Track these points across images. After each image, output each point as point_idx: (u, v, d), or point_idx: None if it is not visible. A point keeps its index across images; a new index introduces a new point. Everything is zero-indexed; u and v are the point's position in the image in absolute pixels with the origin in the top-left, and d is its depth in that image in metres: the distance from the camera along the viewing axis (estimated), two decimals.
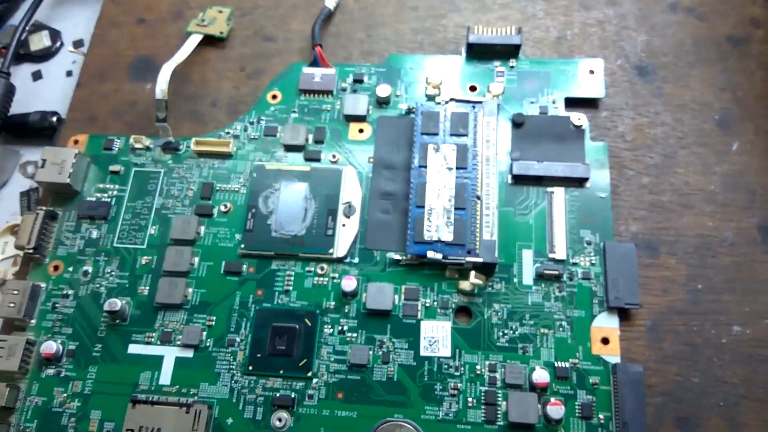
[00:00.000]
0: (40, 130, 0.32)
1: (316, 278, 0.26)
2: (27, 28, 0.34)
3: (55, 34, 0.35)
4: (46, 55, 0.35)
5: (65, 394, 0.25)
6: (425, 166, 0.26)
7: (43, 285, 0.27)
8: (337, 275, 0.26)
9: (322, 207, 0.27)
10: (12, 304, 0.26)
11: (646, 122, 0.28)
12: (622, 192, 0.26)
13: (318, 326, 0.25)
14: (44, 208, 0.27)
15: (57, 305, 0.26)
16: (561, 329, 0.24)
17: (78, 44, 0.35)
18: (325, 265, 0.26)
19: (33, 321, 0.26)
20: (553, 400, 0.22)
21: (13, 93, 0.33)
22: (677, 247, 0.25)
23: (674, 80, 0.28)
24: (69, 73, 0.34)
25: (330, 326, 0.25)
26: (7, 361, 0.25)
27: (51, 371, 0.25)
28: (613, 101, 0.28)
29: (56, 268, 0.27)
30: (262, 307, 0.25)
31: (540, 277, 0.25)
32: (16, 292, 0.26)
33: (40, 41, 0.35)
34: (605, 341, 0.24)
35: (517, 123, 0.27)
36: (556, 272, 0.25)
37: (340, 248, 0.26)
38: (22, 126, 0.32)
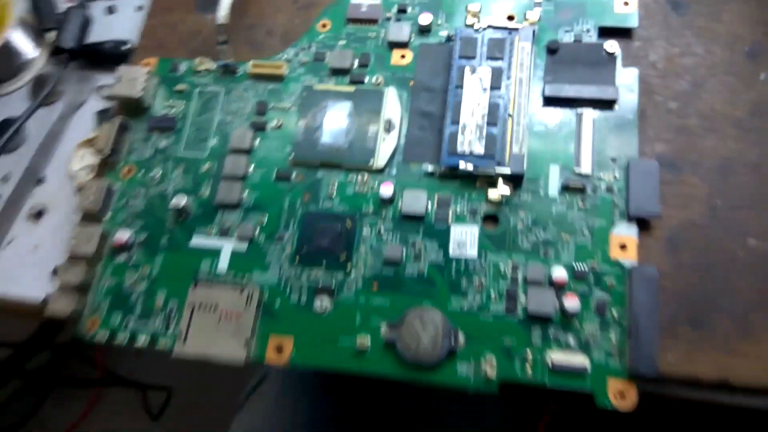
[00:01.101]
0: (114, 57, 0.36)
1: (357, 187, 0.28)
2: None
3: None
4: None
5: (135, 277, 0.28)
6: (461, 87, 0.28)
7: (117, 185, 0.30)
8: (376, 184, 0.28)
9: (364, 124, 0.29)
10: (90, 199, 0.29)
11: (677, 52, 0.29)
12: (650, 116, 0.28)
13: (358, 228, 0.27)
14: (120, 118, 0.31)
15: (129, 203, 0.30)
16: (582, 236, 0.26)
17: None
18: (365, 175, 0.28)
19: (108, 216, 0.30)
20: (569, 294, 0.24)
21: (89, 24, 0.36)
22: (700, 167, 0.27)
23: (708, 14, 0.29)
24: (140, 8, 0.38)
25: (368, 228, 0.27)
26: (86, 246, 0.28)
27: (122, 258, 0.29)
28: (647, 32, 0.29)
29: (129, 170, 0.30)
30: (308, 210, 0.28)
31: (565, 189, 0.27)
32: (94, 189, 0.30)
33: None
34: (623, 247, 0.25)
35: (552, 50, 0.29)
36: (581, 185, 0.26)
37: (379, 160, 0.28)
38: (97, 53, 0.36)
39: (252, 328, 0.26)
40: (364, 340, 0.25)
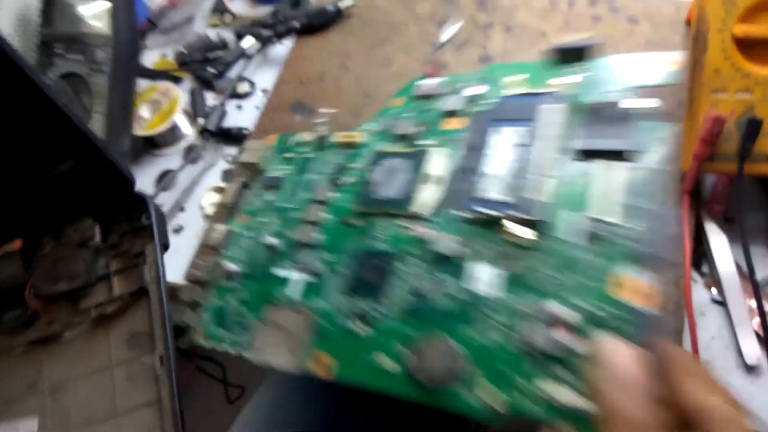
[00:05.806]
0: (237, 137, 0.51)
1: (402, 230, 0.33)
2: (237, 79, 0.53)
3: (252, 84, 0.54)
4: (246, 95, 0.55)
5: (233, 300, 0.36)
6: (490, 144, 0.32)
7: (234, 229, 0.39)
8: (418, 229, 0.32)
9: (415, 178, 0.34)
10: (216, 238, 0.39)
11: None
12: None
13: (397, 264, 0.32)
14: (242, 179, 0.41)
15: (240, 243, 0.38)
16: (600, 282, 0.26)
17: (264, 91, 0.52)
18: (411, 221, 0.33)
19: (224, 251, 0.39)
20: (582, 338, 0.25)
21: (225, 115, 0.52)
22: None
23: None
24: (257, 108, 0.52)
25: (406, 265, 0.31)
26: (203, 273, 0.37)
27: (228, 284, 0.37)
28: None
29: (244, 218, 0.39)
30: (360, 248, 0.33)
31: (588, 237, 0.27)
32: (219, 229, 0.39)
33: (243, 87, 0.55)
34: (640, 294, 0.25)
35: (589, 109, 0.31)
36: (602, 232, 0.27)
37: (423, 208, 0.33)
38: (228, 134, 0.52)
39: (304, 344, 0.32)
40: (390, 363, 0.29)
